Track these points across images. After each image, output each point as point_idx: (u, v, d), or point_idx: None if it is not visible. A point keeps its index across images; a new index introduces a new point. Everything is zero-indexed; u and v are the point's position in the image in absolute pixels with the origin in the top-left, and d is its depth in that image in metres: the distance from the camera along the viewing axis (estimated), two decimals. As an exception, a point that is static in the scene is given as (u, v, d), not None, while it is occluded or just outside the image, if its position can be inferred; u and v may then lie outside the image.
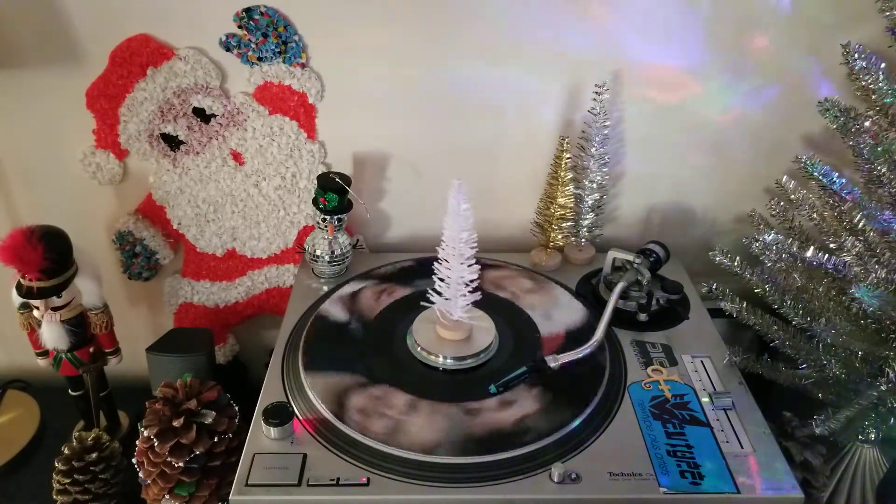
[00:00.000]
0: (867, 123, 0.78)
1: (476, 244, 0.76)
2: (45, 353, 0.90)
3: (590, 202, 0.98)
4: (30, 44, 0.90)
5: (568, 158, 0.94)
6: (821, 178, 0.78)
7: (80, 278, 0.85)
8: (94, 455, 0.83)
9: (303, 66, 0.92)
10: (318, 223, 0.95)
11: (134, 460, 0.78)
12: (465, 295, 0.79)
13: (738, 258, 0.80)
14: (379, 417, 0.73)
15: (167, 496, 0.76)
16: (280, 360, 0.82)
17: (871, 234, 0.74)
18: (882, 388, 0.73)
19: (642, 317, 0.88)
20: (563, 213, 0.97)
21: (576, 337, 0.85)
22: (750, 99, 0.95)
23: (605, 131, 0.93)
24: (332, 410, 0.74)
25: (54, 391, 1.01)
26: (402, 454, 0.69)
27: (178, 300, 1.08)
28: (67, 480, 0.82)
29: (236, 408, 0.80)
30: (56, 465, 0.83)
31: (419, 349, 0.81)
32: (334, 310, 0.89)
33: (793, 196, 0.85)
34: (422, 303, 0.83)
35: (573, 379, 0.78)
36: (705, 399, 0.77)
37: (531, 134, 0.98)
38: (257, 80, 0.93)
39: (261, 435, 0.72)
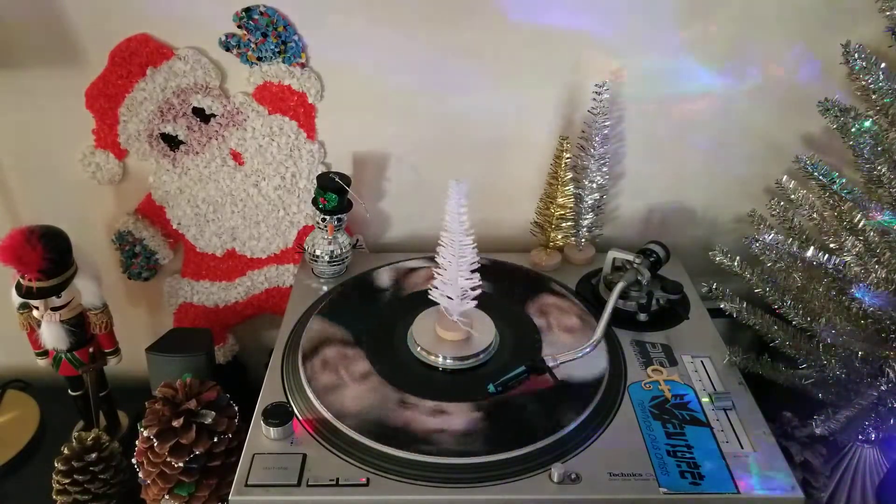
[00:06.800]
0: (867, 123, 0.78)
1: (476, 245, 0.76)
2: (44, 353, 0.90)
3: (590, 202, 0.98)
4: (29, 44, 0.90)
5: (568, 158, 0.94)
6: (821, 178, 0.78)
7: (79, 278, 0.85)
8: (93, 455, 0.83)
9: (302, 65, 0.92)
10: (318, 223, 0.95)
11: (134, 460, 0.78)
12: (465, 296, 0.79)
13: (738, 258, 0.80)
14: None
15: (167, 496, 0.76)
16: (280, 360, 0.82)
17: (871, 234, 0.74)
18: (882, 388, 0.73)
19: (642, 317, 0.88)
20: (563, 213, 0.97)
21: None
22: (750, 99, 0.95)
23: (605, 131, 0.93)
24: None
25: (54, 391, 1.00)
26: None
27: (178, 300, 1.08)
28: (67, 480, 0.82)
29: (236, 408, 0.80)
30: (56, 465, 0.83)
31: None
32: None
33: (793, 196, 0.85)
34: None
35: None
36: (705, 399, 0.77)
37: (531, 134, 0.98)
38: (257, 79, 0.93)
39: (260, 435, 0.72)
